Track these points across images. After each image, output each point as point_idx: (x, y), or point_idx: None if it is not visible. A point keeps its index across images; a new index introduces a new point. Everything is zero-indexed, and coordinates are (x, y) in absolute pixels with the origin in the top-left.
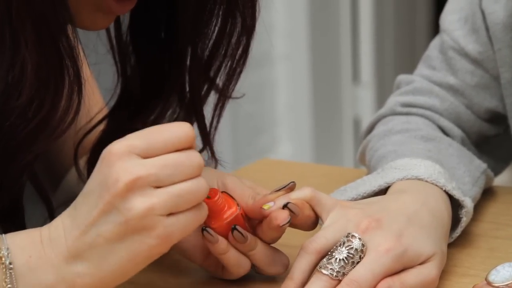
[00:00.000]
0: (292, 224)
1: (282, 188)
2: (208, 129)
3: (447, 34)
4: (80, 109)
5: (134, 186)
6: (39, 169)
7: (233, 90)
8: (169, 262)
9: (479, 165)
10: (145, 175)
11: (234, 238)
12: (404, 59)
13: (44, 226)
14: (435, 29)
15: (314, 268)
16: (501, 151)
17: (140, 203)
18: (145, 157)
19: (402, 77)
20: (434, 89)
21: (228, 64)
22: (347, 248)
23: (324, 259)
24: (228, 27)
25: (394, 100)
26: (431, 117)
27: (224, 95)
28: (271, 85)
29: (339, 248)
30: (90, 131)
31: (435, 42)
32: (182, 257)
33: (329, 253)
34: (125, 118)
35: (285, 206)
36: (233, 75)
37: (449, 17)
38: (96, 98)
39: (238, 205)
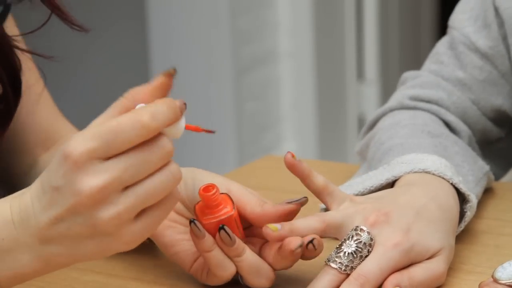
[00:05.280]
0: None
1: (294, 201)
2: None
3: (457, 30)
4: None
5: (98, 197)
6: None
7: None
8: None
9: (482, 166)
10: (108, 183)
11: (221, 238)
12: (408, 56)
13: (13, 200)
14: (440, 27)
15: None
16: (501, 159)
17: (106, 213)
18: (108, 158)
19: (408, 73)
20: (441, 83)
21: None
22: (356, 241)
23: (333, 252)
24: None
25: (402, 93)
26: (437, 112)
27: None
28: (276, 83)
29: (347, 241)
30: None
31: (443, 40)
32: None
33: (338, 246)
34: None
35: (309, 243)
36: None
37: (460, 16)
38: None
39: (234, 208)
